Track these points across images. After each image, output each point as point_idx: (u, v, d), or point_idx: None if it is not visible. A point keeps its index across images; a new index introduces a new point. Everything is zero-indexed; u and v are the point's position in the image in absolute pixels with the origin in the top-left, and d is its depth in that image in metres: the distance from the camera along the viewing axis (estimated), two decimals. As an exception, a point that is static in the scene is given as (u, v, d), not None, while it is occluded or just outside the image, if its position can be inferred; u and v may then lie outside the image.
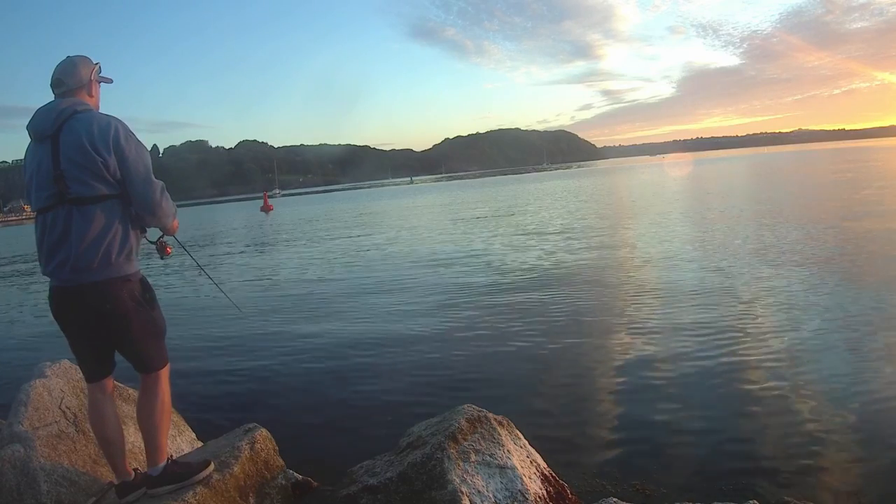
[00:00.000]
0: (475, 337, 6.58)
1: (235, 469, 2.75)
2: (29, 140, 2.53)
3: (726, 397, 4.48)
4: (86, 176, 2.38)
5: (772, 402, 4.31)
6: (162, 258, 2.81)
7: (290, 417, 4.72)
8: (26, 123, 2.52)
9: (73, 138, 2.39)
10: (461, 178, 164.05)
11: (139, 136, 2.57)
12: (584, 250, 12.39)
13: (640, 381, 4.92)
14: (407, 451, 2.84)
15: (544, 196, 35.97)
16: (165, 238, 2.76)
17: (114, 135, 2.43)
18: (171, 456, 2.72)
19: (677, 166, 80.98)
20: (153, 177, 2.51)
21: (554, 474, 2.97)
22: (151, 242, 2.73)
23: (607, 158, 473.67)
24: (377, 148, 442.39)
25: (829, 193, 21.96)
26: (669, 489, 3.31)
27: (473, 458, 2.69)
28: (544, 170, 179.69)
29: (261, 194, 74.36)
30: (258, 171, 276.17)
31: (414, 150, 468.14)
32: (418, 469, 2.65)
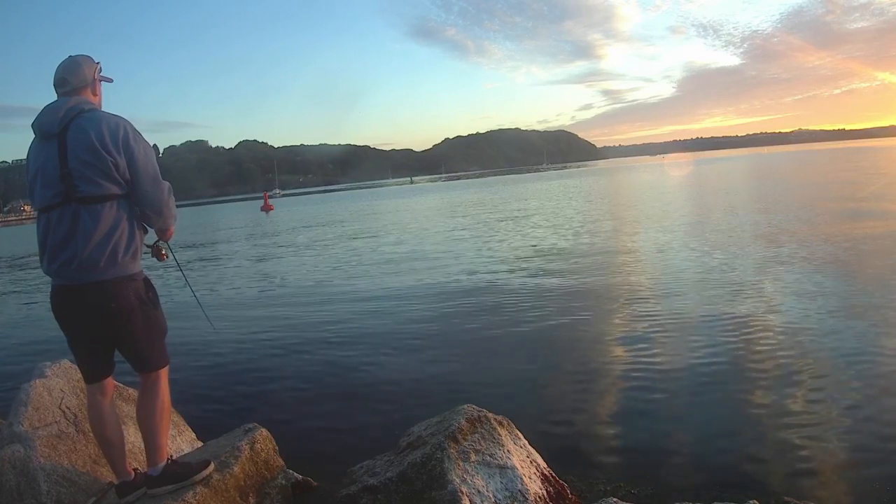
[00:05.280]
0: (475, 337, 6.58)
1: (235, 469, 2.75)
2: (32, 138, 2.54)
3: (727, 397, 4.47)
4: (95, 175, 2.39)
5: (772, 403, 4.31)
6: (159, 261, 2.83)
7: (290, 417, 4.72)
8: (27, 123, 2.52)
9: (82, 137, 2.39)
10: (461, 178, 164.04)
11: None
12: (587, 251, 12.38)
13: (640, 381, 4.91)
14: (407, 451, 2.84)
15: (547, 196, 35.96)
16: (160, 243, 2.78)
17: (123, 135, 2.44)
18: (171, 456, 2.72)
19: (678, 166, 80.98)
20: (161, 177, 2.54)
21: (554, 474, 2.97)
22: (148, 246, 2.74)
23: (607, 158, 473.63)
24: (377, 148, 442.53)
25: (833, 193, 21.96)
26: (669, 489, 3.31)
27: (473, 458, 2.69)
28: (544, 170, 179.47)
29: (261, 194, 74.41)
30: (258, 171, 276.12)
31: (414, 150, 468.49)
32: (418, 469, 2.65)
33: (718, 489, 3.26)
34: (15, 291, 14.57)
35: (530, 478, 2.77)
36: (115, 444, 2.62)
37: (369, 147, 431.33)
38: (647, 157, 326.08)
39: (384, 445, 3.22)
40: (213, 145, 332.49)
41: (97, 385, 2.61)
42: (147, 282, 2.60)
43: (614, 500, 2.81)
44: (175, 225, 2.71)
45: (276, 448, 3.09)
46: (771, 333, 5.78)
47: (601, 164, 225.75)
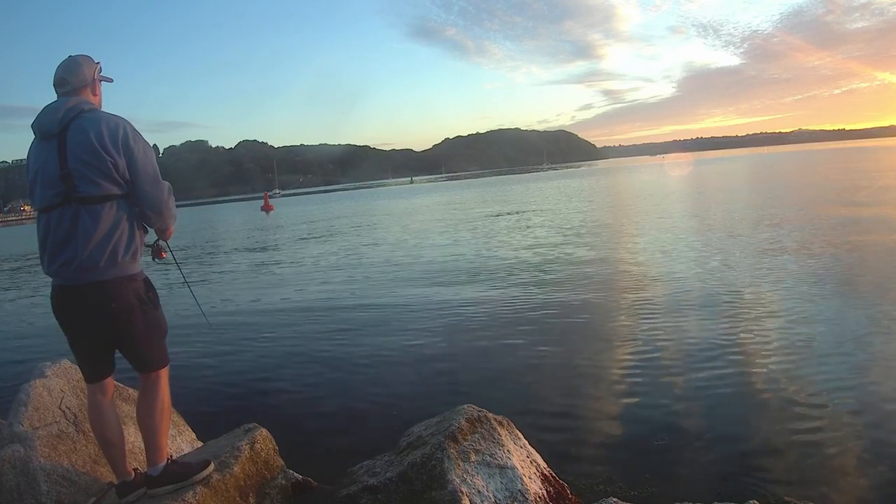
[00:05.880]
0: (475, 337, 6.58)
1: (235, 469, 2.75)
2: (32, 138, 2.54)
3: (727, 397, 4.48)
4: (95, 175, 2.38)
5: (772, 403, 4.31)
6: (154, 260, 2.83)
7: (290, 417, 4.72)
8: (27, 123, 2.52)
9: (81, 137, 2.39)
10: (461, 178, 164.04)
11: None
12: (588, 252, 12.39)
13: (640, 381, 4.92)
14: (407, 451, 2.84)
15: (547, 197, 35.95)
16: (160, 242, 2.78)
17: (123, 135, 2.44)
18: (171, 456, 2.72)
19: (678, 166, 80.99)
20: (160, 177, 2.54)
21: (554, 474, 2.97)
22: (147, 246, 2.74)
23: (607, 158, 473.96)
24: (377, 148, 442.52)
25: (834, 195, 21.95)
26: (669, 489, 3.31)
27: (473, 458, 2.69)
28: (544, 170, 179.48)
29: (261, 194, 74.55)
30: (258, 171, 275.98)
31: (414, 150, 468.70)
32: (418, 469, 2.65)
33: (718, 489, 3.26)
34: (15, 291, 14.57)
35: (530, 478, 2.77)
36: (115, 444, 2.62)
37: (369, 147, 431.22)
38: (647, 157, 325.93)
39: (384, 445, 3.22)
40: (213, 145, 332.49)
41: (98, 385, 2.61)
42: (147, 282, 2.60)
43: (614, 500, 2.82)
44: (175, 225, 2.71)
45: (276, 448, 3.08)
46: (772, 336, 5.78)
47: (601, 164, 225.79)
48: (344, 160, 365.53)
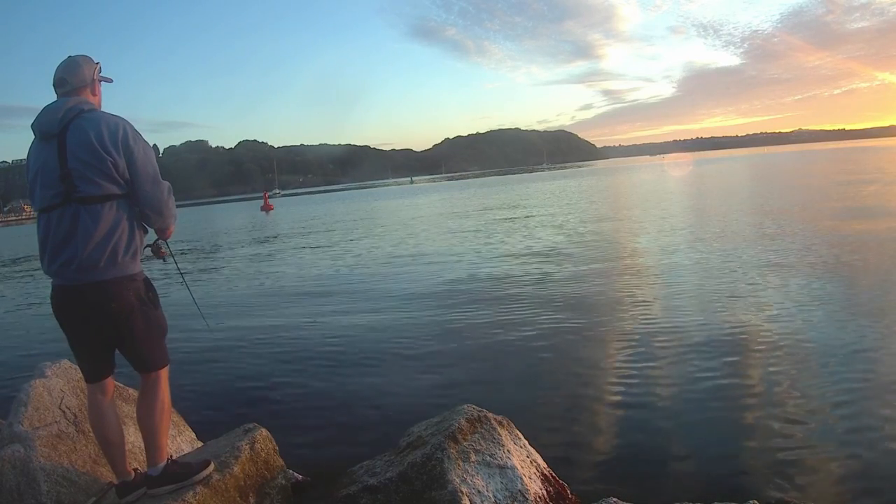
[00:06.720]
0: (475, 337, 6.57)
1: (235, 469, 2.75)
2: (32, 138, 2.54)
3: (728, 399, 4.47)
4: (95, 175, 2.39)
5: (774, 406, 4.31)
6: (159, 259, 2.84)
7: (290, 417, 4.72)
8: (27, 123, 2.53)
9: (81, 137, 2.39)
10: (461, 178, 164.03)
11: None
12: (589, 253, 12.38)
13: (640, 381, 4.91)
14: (407, 451, 2.84)
15: (548, 197, 35.95)
16: (160, 242, 2.79)
17: (122, 135, 2.45)
18: (171, 456, 2.72)
19: (678, 166, 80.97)
20: (160, 177, 2.54)
21: (554, 474, 2.97)
22: (148, 245, 2.75)
23: (607, 158, 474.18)
24: (377, 148, 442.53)
25: (835, 195, 21.96)
26: (669, 489, 3.31)
27: (473, 458, 2.69)
28: (544, 170, 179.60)
29: (261, 194, 74.74)
30: (258, 171, 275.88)
31: (414, 150, 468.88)
32: (418, 469, 2.65)
33: (718, 489, 3.26)
34: (15, 291, 14.57)
35: (530, 478, 2.77)
36: (115, 444, 2.62)
37: (369, 147, 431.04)
38: (647, 157, 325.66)
39: (384, 445, 3.22)
40: (213, 145, 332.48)
41: (98, 384, 2.61)
42: (147, 282, 2.61)
43: (614, 500, 2.82)
44: (175, 224, 2.72)
45: (276, 448, 3.08)
46: (772, 339, 5.76)
47: (601, 164, 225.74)
48: (344, 160, 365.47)
